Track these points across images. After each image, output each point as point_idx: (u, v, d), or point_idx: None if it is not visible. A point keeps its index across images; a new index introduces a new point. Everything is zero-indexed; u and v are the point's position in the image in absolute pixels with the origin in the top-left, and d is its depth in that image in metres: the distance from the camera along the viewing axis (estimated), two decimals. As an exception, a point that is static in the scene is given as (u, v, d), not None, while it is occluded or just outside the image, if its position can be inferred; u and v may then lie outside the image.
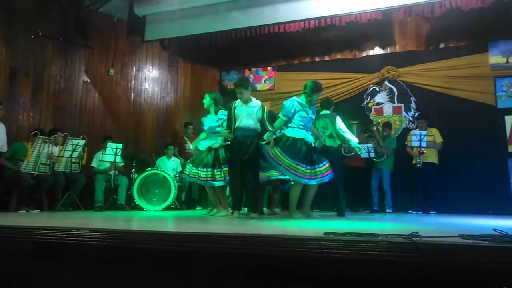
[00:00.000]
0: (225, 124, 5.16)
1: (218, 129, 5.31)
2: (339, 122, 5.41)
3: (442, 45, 7.79)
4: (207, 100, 5.57)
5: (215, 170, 5.29)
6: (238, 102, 4.98)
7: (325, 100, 5.95)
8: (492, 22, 6.96)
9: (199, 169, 5.38)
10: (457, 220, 4.85)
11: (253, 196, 4.92)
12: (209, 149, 5.40)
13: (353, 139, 5.38)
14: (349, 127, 7.29)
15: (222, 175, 5.25)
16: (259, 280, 2.03)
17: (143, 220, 4.41)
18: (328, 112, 5.61)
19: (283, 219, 4.58)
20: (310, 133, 4.88)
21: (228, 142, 5.12)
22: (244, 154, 4.81)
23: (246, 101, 4.93)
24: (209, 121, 5.50)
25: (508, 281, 1.67)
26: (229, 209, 5.35)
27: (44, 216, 4.93)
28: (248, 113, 4.88)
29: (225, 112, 5.26)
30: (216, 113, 5.46)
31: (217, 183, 5.31)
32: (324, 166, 4.73)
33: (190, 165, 5.54)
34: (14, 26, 6.70)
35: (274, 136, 4.75)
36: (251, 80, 8.88)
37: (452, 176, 6.94)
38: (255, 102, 4.98)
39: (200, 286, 2.14)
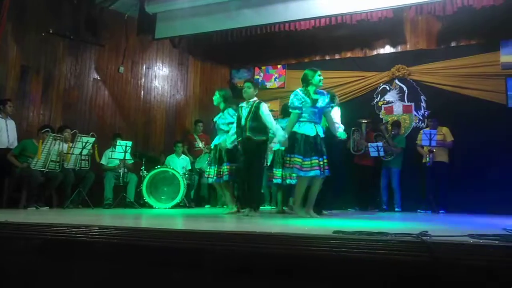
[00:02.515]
0: (231, 126, 5.26)
1: (222, 126, 5.42)
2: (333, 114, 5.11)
3: (453, 44, 7.72)
4: (216, 98, 5.61)
5: (220, 167, 5.38)
6: (243, 103, 5.07)
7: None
8: (504, 20, 6.86)
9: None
10: (467, 219, 4.81)
11: (256, 194, 4.97)
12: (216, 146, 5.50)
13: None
14: (359, 125, 7.32)
15: (221, 172, 5.36)
16: (268, 278, 2.03)
17: (152, 218, 4.43)
18: None
19: (291, 217, 4.57)
20: (313, 124, 4.57)
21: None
22: (249, 154, 4.87)
23: (248, 100, 5.00)
24: (217, 118, 5.59)
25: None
26: (234, 205, 5.44)
27: (53, 213, 4.97)
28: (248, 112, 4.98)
29: (232, 112, 5.34)
30: (223, 111, 5.50)
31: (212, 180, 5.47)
32: (324, 160, 4.53)
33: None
34: (25, 23, 6.76)
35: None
36: (261, 78, 8.92)
37: (462, 175, 6.89)
38: (253, 101, 5.02)
39: (209, 284, 2.14)
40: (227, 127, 5.40)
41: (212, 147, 5.61)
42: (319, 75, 4.62)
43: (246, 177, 4.94)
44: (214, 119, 5.69)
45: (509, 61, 7.13)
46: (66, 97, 7.30)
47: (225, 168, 5.31)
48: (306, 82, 4.63)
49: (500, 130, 6.89)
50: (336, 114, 5.12)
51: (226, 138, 5.26)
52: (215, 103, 5.66)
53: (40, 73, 6.96)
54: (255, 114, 4.90)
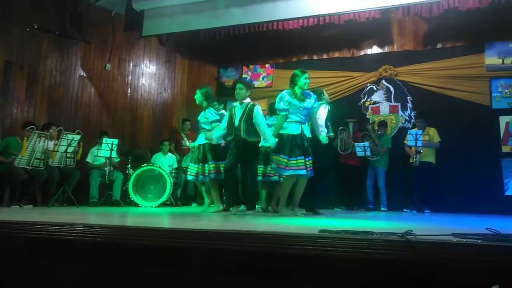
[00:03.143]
0: (214, 125, 5.29)
1: (204, 125, 5.41)
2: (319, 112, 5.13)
3: (439, 45, 7.80)
4: (198, 96, 5.59)
5: (205, 166, 5.35)
6: (236, 103, 5.05)
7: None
8: (489, 23, 6.96)
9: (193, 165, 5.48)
10: (451, 219, 4.88)
11: (252, 193, 4.94)
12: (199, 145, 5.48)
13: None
14: (346, 125, 7.35)
15: (207, 171, 5.31)
16: (254, 277, 2.03)
17: (137, 216, 4.41)
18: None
19: (278, 216, 4.58)
20: (299, 125, 4.64)
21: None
22: (244, 154, 4.84)
23: (241, 101, 4.97)
24: (200, 117, 5.57)
25: (499, 278, 1.68)
26: (221, 204, 5.42)
27: (37, 211, 4.91)
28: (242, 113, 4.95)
29: (213, 111, 5.36)
30: (205, 109, 5.49)
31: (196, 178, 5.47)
32: (309, 160, 4.59)
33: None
34: (9, 18, 6.63)
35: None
36: (249, 77, 8.92)
37: (447, 175, 6.96)
38: (247, 102, 4.99)
39: (195, 282, 2.13)
40: (209, 126, 5.38)
41: (195, 146, 5.57)
42: (306, 78, 4.64)
43: (244, 175, 4.92)
44: (198, 118, 5.66)
45: (493, 63, 7.23)
46: (51, 93, 7.19)
47: (211, 166, 5.29)
48: (293, 83, 4.67)
49: (484, 131, 6.98)
50: (322, 112, 5.10)
51: (213, 131, 5.20)
52: (197, 102, 5.63)
53: (24, 69, 6.83)
54: (249, 116, 4.85)
